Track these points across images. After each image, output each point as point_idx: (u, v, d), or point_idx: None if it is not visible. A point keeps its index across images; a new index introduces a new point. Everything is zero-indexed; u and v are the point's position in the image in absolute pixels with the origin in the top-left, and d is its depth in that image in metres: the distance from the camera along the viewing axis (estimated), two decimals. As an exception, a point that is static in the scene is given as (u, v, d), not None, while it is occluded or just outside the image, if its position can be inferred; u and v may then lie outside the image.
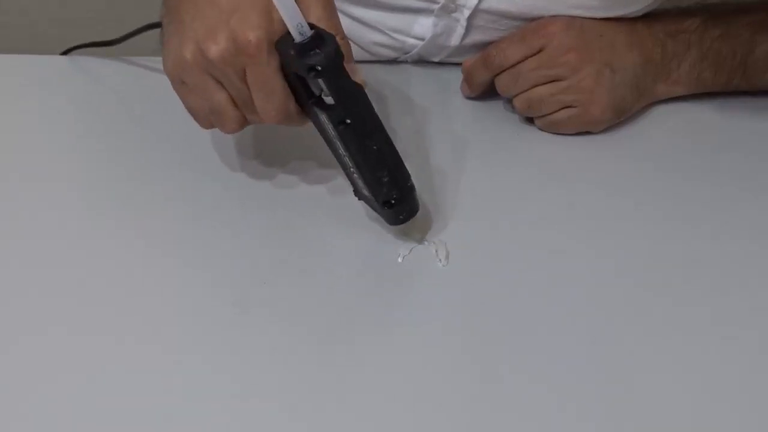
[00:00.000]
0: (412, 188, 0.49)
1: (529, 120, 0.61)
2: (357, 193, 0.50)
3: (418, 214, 0.50)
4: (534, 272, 0.50)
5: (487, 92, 0.62)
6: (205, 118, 0.48)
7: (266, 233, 0.51)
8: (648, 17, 0.60)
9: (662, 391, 0.43)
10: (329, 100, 0.44)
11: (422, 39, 0.63)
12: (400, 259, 0.50)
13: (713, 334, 0.46)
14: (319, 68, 0.42)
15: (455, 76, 0.63)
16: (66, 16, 1.14)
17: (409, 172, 0.48)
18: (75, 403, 0.42)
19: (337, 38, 0.44)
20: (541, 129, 0.61)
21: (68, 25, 1.09)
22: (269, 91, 0.44)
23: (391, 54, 0.66)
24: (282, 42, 0.43)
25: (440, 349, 0.45)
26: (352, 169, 0.47)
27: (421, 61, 0.66)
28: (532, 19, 0.58)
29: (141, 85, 0.63)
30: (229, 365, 0.44)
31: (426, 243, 0.51)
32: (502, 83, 0.59)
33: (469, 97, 0.64)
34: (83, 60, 0.66)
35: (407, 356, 0.45)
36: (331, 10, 0.46)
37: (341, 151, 0.47)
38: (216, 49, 0.43)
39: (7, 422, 0.41)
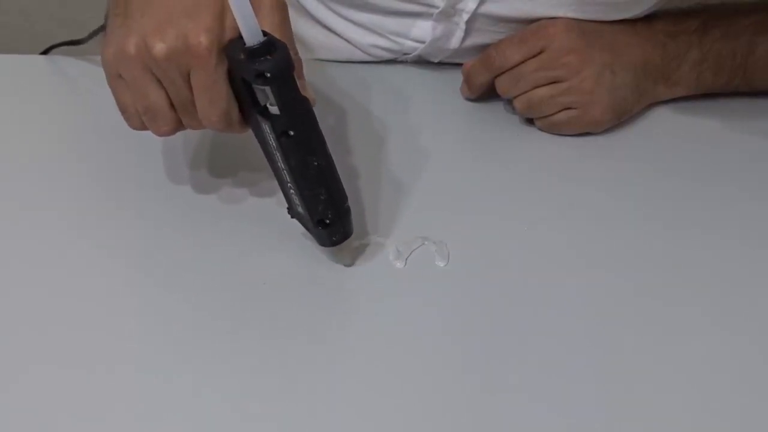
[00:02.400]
0: (348, 211, 0.48)
1: (530, 121, 0.61)
2: (291, 210, 0.49)
3: (351, 238, 0.49)
4: (534, 273, 0.50)
5: (487, 93, 0.62)
6: (137, 117, 0.46)
7: (264, 233, 0.51)
8: (648, 18, 0.60)
9: (663, 390, 0.43)
10: (274, 109, 0.43)
11: (421, 42, 0.63)
12: (400, 265, 0.50)
13: (715, 334, 0.46)
14: (268, 75, 0.41)
15: (455, 77, 0.64)
16: (51, 14, 1.13)
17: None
18: (67, 406, 0.42)
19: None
20: (541, 130, 0.61)
21: (51, 23, 1.08)
22: (214, 95, 0.43)
23: (390, 56, 0.66)
24: (231, 46, 0.42)
25: (440, 350, 0.45)
26: (289, 185, 0.46)
27: (421, 61, 0.66)
28: (531, 23, 0.58)
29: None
30: (225, 370, 0.44)
31: (426, 243, 0.51)
32: (502, 84, 0.59)
33: (469, 99, 0.64)
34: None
35: (407, 357, 0.45)
36: (285, 22, 0.46)
37: (280, 164, 0.45)
38: (162, 46, 0.42)
39: (5, 422, 0.41)
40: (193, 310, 0.47)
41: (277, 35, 0.43)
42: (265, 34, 0.41)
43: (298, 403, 0.42)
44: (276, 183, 0.48)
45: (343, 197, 0.47)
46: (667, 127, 0.61)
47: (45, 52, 0.66)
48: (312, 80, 0.64)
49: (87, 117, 0.61)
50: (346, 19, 0.64)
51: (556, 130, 0.60)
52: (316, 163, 0.45)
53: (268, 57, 0.41)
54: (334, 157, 0.46)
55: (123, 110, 0.47)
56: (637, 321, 0.47)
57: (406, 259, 0.50)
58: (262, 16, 0.44)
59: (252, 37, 0.40)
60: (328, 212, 0.46)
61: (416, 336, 0.46)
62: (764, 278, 0.50)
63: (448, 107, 0.63)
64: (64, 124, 0.60)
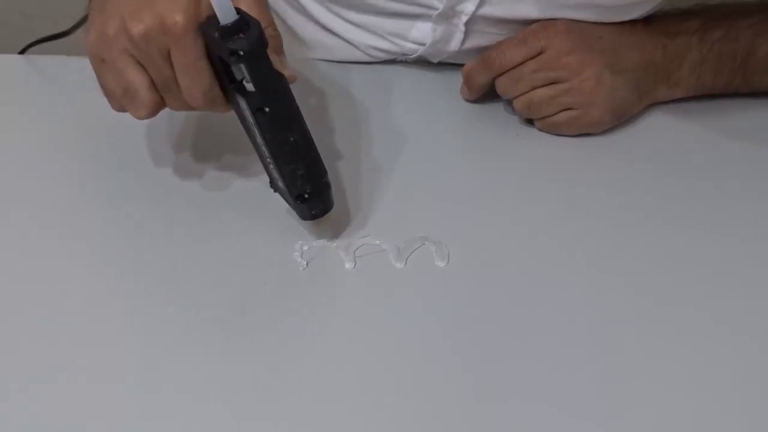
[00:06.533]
0: (327, 185, 0.49)
1: (530, 121, 0.61)
2: (273, 184, 0.50)
3: (332, 211, 0.50)
4: (534, 273, 0.50)
5: (487, 94, 0.62)
6: (119, 100, 0.47)
7: (264, 233, 0.51)
8: (648, 19, 0.60)
9: (663, 390, 0.43)
10: (250, 86, 0.44)
11: (420, 44, 0.63)
12: (400, 265, 0.50)
13: (714, 334, 0.46)
14: (242, 53, 0.42)
15: (455, 78, 0.63)
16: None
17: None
18: (65, 407, 0.42)
19: (268, 29, 0.44)
20: (541, 130, 0.61)
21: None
22: (195, 73, 0.44)
23: (390, 57, 0.66)
24: (207, 24, 0.43)
25: (440, 350, 0.45)
26: (268, 160, 0.47)
27: (421, 62, 0.66)
28: (531, 24, 0.58)
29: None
30: (225, 369, 0.44)
31: (426, 243, 0.51)
32: (502, 85, 0.59)
33: (468, 100, 0.64)
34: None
35: (407, 356, 0.45)
36: (261, 0, 0.47)
37: (258, 140, 0.46)
38: (140, 27, 0.43)
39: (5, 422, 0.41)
40: (194, 310, 0.47)
41: (253, 13, 0.43)
42: (239, 12, 0.42)
43: (298, 403, 0.42)
44: None
45: (322, 172, 0.48)
46: (667, 127, 0.61)
47: (23, 51, 0.66)
48: (311, 80, 0.64)
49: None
50: (344, 20, 0.64)
51: (555, 130, 0.60)
52: (292, 139, 0.46)
53: (242, 35, 0.42)
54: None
55: (106, 93, 0.48)
56: (637, 321, 0.47)
57: (406, 259, 0.50)
58: None
59: (225, 15, 0.41)
60: (307, 187, 0.47)
61: (416, 336, 0.46)
62: (765, 278, 0.50)
63: (448, 107, 0.63)
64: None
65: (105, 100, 0.48)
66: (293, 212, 0.50)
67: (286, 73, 0.46)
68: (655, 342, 0.46)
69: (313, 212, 0.49)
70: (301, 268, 0.49)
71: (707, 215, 0.54)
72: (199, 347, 0.45)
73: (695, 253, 0.51)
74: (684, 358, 0.45)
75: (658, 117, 0.62)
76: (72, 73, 0.64)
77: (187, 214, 0.53)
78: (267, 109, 0.44)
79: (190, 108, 0.47)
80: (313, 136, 0.47)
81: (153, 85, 0.45)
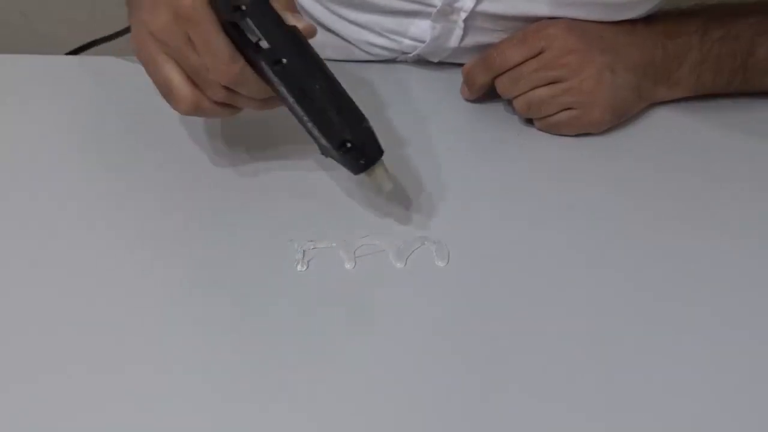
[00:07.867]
0: (368, 130, 0.47)
1: (530, 121, 0.61)
2: (321, 148, 0.48)
3: (384, 159, 0.47)
4: (534, 273, 0.50)
5: (487, 94, 0.62)
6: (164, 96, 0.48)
7: (266, 233, 0.51)
8: (648, 19, 0.60)
9: (665, 391, 0.43)
10: (264, 43, 0.44)
11: (420, 41, 0.63)
12: (400, 265, 0.50)
13: (715, 333, 0.46)
14: (244, 7, 0.42)
15: (455, 77, 0.63)
16: (75, 16, 1.12)
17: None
18: (70, 404, 0.42)
19: None
20: (540, 130, 0.61)
21: (78, 25, 1.07)
22: (214, 47, 0.45)
23: (390, 55, 0.66)
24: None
25: (440, 350, 0.45)
26: (305, 118, 0.46)
27: (421, 61, 0.66)
28: (530, 21, 0.58)
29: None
30: (223, 368, 0.44)
31: (426, 243, 0.51)
32: (502, 85, 0.59)
33: (469, 100, 0.64)
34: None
35: (407, 357, 0.45)
36: None
37: (289, 100, 0.46)
38: (158, 21, 0.44)
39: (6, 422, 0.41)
40: (193, 311, 0.47)
41: None
42: None
43: (298, 403, 0.42)
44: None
45: (359, 116, 0.47)
46: (667, 127, 0.61)
47: (75, 52, 0.66)
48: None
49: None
50: (344, 18, 0.64)
51: (555, 130, 0.60)
52: (317, 86, 0.45)
53: None
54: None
55: (162, 95, 0.49)
56: (637, 320, 0.47)
57: (406, 259, 0.50)
58: None
59: None
60: (346, 131, 0.46)
61: (416, 336, 0.46)
62: (765, 277, 0.50)
63: (448, 107, 0.63)
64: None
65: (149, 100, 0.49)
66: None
67: (300, 25, 0.46)
68: (656, 340, 0.46)
69: (361, 162, 0.47)
70: (301, 268, 0.49)
71: (707, 215, 0.54)
72: (199, 347, 0.45)
73: (695, 252, 0.51)
74: (685, 356, 0.45)
75: (658, 117, 0.62)
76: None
77: (187, 214, 0.53)
78: (284, 60, 0.44)
79: (229, 98, 0.47)
80: None
81: (188, 78, 0.46)
